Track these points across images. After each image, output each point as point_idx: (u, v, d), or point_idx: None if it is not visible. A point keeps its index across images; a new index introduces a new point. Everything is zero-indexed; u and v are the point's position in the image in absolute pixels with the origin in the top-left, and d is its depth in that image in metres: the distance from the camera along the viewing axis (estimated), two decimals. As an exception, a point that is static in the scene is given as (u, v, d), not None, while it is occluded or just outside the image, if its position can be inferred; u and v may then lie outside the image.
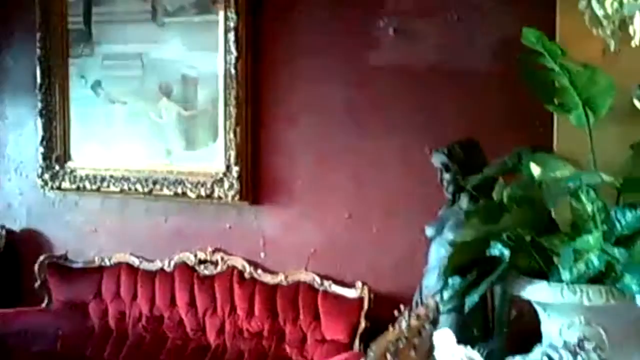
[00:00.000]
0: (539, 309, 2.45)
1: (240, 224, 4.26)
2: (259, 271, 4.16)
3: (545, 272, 2.41)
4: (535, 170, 2.53)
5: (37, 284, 4.54)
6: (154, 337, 4.29)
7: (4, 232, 4.78)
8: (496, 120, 3.60)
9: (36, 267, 4.54)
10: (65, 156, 4.66)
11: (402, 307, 2.22)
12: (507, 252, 2.44)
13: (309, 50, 4.05)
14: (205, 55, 4.23)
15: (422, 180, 3.58)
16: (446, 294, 2.63)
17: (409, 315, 2.14)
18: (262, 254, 4.20)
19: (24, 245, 4.82)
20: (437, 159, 3.19)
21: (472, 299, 2.46)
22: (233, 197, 4.15)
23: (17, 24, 4.76)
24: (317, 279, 3.99)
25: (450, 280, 2.56)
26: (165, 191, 4.34)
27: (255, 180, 4.18)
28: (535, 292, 2.37)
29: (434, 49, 3.78)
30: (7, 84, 4.86)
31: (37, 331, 4.38)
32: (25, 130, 4.81)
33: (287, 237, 4.14)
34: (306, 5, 4.06)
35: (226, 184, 4.17)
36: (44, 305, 4.55)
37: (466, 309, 2.52)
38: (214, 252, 4.28)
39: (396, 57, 3.86)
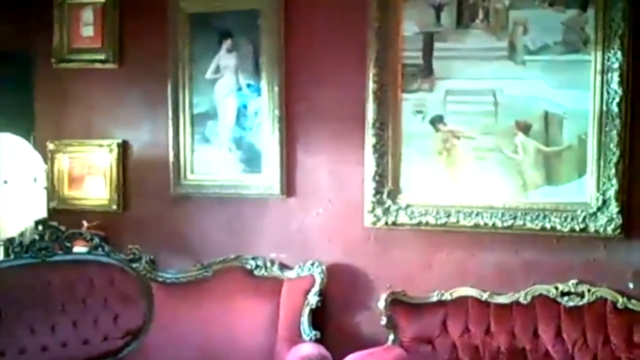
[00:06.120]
0: None
1: (606, 256, 4.39)
2: (633, 301, 4.31)
3: None
4: None
5: (383, 322, 4.51)
6: (520, 369, 4.36)
7: (324, 268, 4.69)
8: None
9: (381, 304, 4.51)
10: (397, 191, 4.64)
11: None
12: None
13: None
14: (573, 93, 4.35)
15: None
16: None
17: None
18: (630, 285, 4.35)
19: (343, 281, 4.76)
20: None
21: None
22: (614, 230, 4.29)
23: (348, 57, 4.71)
24: None
25: None
26: (529, 225, 4.42)
27: (629, 214, 4.35)
28: None
29: None
30: (317, 120, 4.80)
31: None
32: (347, 164, 4.75)
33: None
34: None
35: (603, 219, 4.31)
36: (389, 342, 4.53)
37: None
38: (577, 283, 4.40)
39: None
